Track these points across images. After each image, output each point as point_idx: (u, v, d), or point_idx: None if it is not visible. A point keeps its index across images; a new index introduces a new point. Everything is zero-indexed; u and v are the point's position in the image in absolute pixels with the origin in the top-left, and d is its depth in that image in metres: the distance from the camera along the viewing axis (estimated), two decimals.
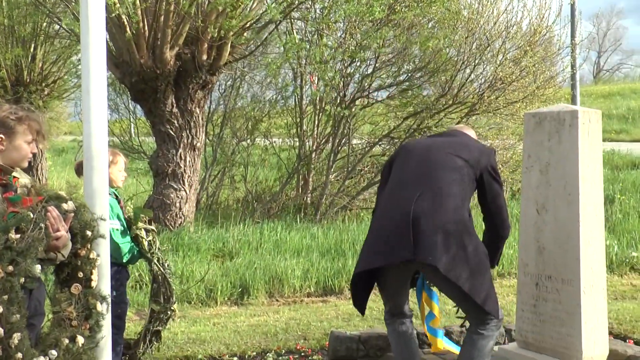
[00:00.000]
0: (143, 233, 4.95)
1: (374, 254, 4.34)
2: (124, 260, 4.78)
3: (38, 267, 3.08)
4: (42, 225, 3.12)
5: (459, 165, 4.48)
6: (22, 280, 3.03)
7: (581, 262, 4.73)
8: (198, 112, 10.77)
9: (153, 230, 5.06)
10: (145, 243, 4.91)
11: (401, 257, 4.19)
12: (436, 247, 4.14)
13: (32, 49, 15.38)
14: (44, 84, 16.02)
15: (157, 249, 4.99)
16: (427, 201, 4.27)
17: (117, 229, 4.76)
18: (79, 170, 4.65)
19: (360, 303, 4.61)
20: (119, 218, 4.80)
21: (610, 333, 5.63)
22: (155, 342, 5.21)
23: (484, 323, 4.38)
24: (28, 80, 15.58)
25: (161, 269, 4.99)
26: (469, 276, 4.19)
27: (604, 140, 5.30)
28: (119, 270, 4.60)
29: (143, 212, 5.10)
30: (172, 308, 5.05)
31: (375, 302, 5.91)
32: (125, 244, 4.78)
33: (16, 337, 2.96)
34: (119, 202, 5.13)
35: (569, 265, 4.80)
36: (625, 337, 5.95)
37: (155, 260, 4.96)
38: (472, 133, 4.95)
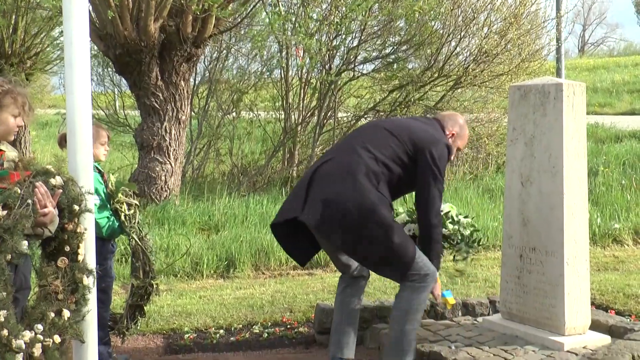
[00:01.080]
0: (125, 207, 4.93)
1: (281, 210, 4.63)
2: (104, 235, 4.77)
3: (25, 243, 3.06)
4: (30, 201, 3.10)
5: (390, 145, 4.49)
6: (9, 257, 3.02)
7: (565, 234, 4.77)
8: (183, 85, 10.70)
9: (136, 204, 5.04)
10: (123, 217, 4.89)
11: (289, 215, 4.50)
12: (316, 208, 4.33)
13: (12, 21, 15.18)
14: (26, 57, 15.85)
15: (136, 224, 4.96)
16: (329, 170, 4.43)
17: (95, 204, 4.74)
18: (62, 142, 4.62)
19: (292, 253, 4.79)
20: (97, 192, 4.77)
21: (592, 304, 5.69)
22: (139, 317, 5.20)
23: (404, 279, 4.45)
24: (9, 52, 15.41)
25: (140, 243, 4.97)
26: (345, 236, 4.32)
27: (588, 113, 5.33)
28: (103, 244, 4.59)
29: (126, 186, 5.08)
30: (151, 283, 5.03)
31: None
32: (103, 219, 4.76)
33: (2, 314, 2.95)
34: (102, 176, 5.11)
35: (552, 237, 4.84)
36: (607, 308, 6.02)
37: (134, 235, 4.94)
38: (451, 122, 4.89)
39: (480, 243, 5.40)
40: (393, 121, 4.83)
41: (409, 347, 4.49)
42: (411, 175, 4.50)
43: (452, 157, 4.76)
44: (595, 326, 5.08)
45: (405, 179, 4.52)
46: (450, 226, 5.19)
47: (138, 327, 5.32)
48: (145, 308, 5.18)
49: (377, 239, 4.30)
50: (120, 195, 4.94)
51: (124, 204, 4.94)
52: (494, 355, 4.61)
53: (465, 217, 5.37)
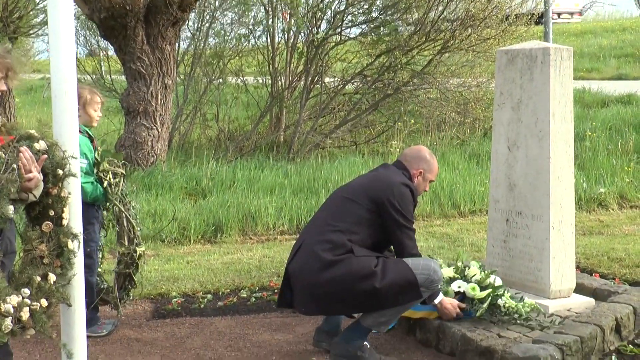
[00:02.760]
0: (110, 176, 4.91)
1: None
2: (88, 200, 4.75)
3: (11, 208, 3.05)
4: (15, 166, 3.08)
5: (351, 211, 4.49)
6: None
7: (551, 198, 4.80)
8: (169, 49, 10.61)
9: (122, 173, 5.02)
10: (106, 184, 4.88)
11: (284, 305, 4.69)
12: (302, 299, 4.47)
13: None
14: (9, 20, 15.63)
15: (119, 191, 4.94)
16: (301, 259, 4.48)
17: (82, 167, 4.72)
18: None
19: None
20: (85, 157, 4.75)
21: (577, 267, 5.75)
22: (130, 287, 5.19)
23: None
24: None
25: (123, 210, 4.95)
26: (322, 304, 4.43)
27: (575, 78, 5.33)
28: (87, 208, 4.57)
29: (113, 156, 5.06)
30: (136, 250, 5.02)
31: None
32: (87, 184, 4.74)
33: None
34: (92, 142, 5.08)
35: (538, 201, 4.87)
36: (592, 271, 6.08)
37: (117, 202, 4.92)
38: (415, 160, 4.76)
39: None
40: (351, 185, 4.79)
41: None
42: (384, 228, 4.50)
43: (420, 193, 4.76)
44: (580, 289, 5.13)
45: (380, 235, 4.52)
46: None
47: (130, 298, 5.31)
48: (135, 277, 5.17)
49: (367, 291, 4.31)
50: (105, 164, 4.91)
51: (110, 172, 4.92)
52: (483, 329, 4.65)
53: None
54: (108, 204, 5.04)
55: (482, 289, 4.72)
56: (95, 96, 5.00)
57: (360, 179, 4.85)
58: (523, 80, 4.97)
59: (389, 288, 4.29)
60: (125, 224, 4.99)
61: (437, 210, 9.11)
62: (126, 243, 5.01)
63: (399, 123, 12.95)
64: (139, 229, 5.09)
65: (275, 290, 5.93)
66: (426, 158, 4.77)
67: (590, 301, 4.96)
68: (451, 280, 4.86)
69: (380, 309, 4.38)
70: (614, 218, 8.76)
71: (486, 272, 4.85)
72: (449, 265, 5.14)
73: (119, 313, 5.19)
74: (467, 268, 4.94)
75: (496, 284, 4.76)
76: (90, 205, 4.85)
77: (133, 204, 5.10)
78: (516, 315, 4.60)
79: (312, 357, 4.68)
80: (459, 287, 4.76)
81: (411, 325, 4.91)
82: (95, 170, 4.90)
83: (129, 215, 5.00)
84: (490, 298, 4.67)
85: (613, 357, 4.33)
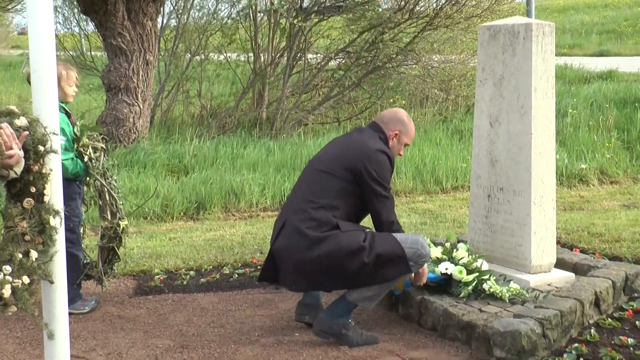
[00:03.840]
0: (90, 150, 4.89)
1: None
2: (70, 175, 4.74)
3: None
4: None
5: (329, 185, 4.45)
6: None
7: (532, 174, 4.82)
8: (150, 25, 10.53)
9: (103, 147, 5.00)
10: (87, 159, 4.85)
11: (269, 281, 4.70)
12: (291, 277, 4.46)
13: None
14: None
15: (101, 165, 4.93)
16: (286, 238, 4.45)
17: (61, 144, 4.69)
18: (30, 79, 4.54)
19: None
20: (64, 133, 4.72)
21: (558, 242, 5.78)
22: (114, 260, 5.20)
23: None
24: None
25: (105, 184, 4.94)
26: (312, 281, 4.43)
27: (557, 55, 5.33)
28: (68, 184, 4.56)
29: (92, 129, 5.03)
30: (119, 223, 5.02)
31: None
32: (67, 161, 4.72)
33: None
34: (69, 117, 5.05)
35: (520, 177, 4.89)
36: (572, 246, 6.12)
37: (98, 177, 4.90)
38: (392, 122, 4.69)
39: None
40: (324, 156, 4.67)
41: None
42: (362, 196, 4.49)
43: (395, 156, 4.68)
44: (561, 264, 5.17)
45: (360, 203, 4.50)
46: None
47: (115, 272, 5.30)
48: (119, 252, 5.17)
49: (354, 264, 4.33)
50: (84, 139, 4.89)
51: (89, 147, 4.90)
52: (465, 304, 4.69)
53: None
54: (89, 178, 5.03)
55: (469, 272, 4.75)
56: (70, 72, 4.96)
57: (333, 147, 4.72)
58: (505, 56, 4.97)
59: (378, 262, 4.31)
60: (107, 198, 4.99)
61: (419, 187, 9.14)
62: (109, 217, 5.01)
63: (382, 99, 12.94)
64: (121, 202, 5.08)
65: (258, 267, 5.94)
66: (403, 120, 4.71)
67: (571, 276, 5.01)
68: (439, 261, 4.88)
69: (370, 284, 4.40)
70: (594, 194, 8.83)
71: (474, 256, 4.88)
72: (434, 243, 5.17)
73: (104, 287, 5.19)
74: (454, 250, 4.97)
75: (483, 268, 4.80)
76: (72, 181, 4.83)
77: (114, 178, 5.08)
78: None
79: (295, 332, 4.70)
80: (446, 268, 4.79)
81: (393, 301, 4.94)
82: (75, 146, 4.88)
83: (111, 189, 4.99)
84: (476, 282, 4.71)
85: (592, 330, 4.38)
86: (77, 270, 4.96)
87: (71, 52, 14.98)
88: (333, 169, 4.47)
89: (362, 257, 4.30)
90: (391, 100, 13.02)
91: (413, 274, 4.60)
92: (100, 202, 5.03)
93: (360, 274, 4.33)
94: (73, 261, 4.65)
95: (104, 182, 4.94)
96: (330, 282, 4.45)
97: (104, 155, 5.01)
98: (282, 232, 4.50)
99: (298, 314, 4.77)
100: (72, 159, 4.83)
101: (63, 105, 4.91)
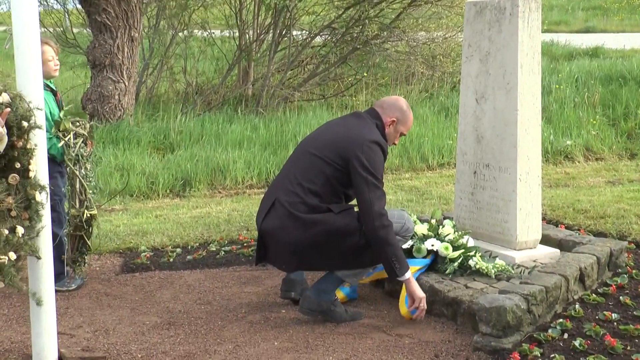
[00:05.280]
0: (71, 136, 4.84)
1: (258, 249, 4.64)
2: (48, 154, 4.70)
3: None
4: None
5: (321, 170, 4.40)
6: None
7: (518, 150, 4.83)
8: (135, 1, 10.44)
9: (83, 134, 4.93)
10: (63, 143, 4.80)
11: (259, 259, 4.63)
12: (282, 257, 4.48)
13: None
14: None
15: (75, 152, 4.86)
16: (277, 219, 4.42)
17: None
18: None
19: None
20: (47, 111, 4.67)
21: (543, 219, 5.82)
22: (84, 250, 5.13)
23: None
24: None
25: (77, 172, 4.89)
26: (304, 261, 4.43)
27: (543, 32, 5.33)
28: (49, 163, 4.53)
29: (77, 115, 4.97)
30: (85, 212, 4.96)
31: None
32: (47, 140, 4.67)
33: None
34: (55, 95, 5.00)
35: (506, 154, 4.90)
36: (557, 223, 6.16)
37: (70, 164, 4.85)
38: (391, 109, 4.62)
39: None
40: (319, 139, 4.59)
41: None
42: (355, 185, 4.40)
43: (389, 144, 4.61)
44: (546, 240, 5.20)
45: (350, 190, 4.46)
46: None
47: (85, 263, 5.20)
48: (88, 241, 5.11)
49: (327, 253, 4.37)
50: (67, 124, 4.83)
51: (70, 133, 4.85)
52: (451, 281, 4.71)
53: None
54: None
55: (455, 248, 4.77)
56: (46, 46, 4.87)
57: (327, 132, 4.65)
58: (491, 32, 4.97)
59: (370, 241, 4.32)
60: (77, 186, 4.93)
61: (405, 164, 9.15)
62: (77, 205, 4.96)
63: (366, 74, 12.90)
64: (91, 191, 5.00)
65: (244, 244, 5.95)
66: (402, 108, 4.63)
67: (556, 252, 5.04)
68: (425, 237, 4.89)
69: (361, 264, 4.42)
70: (579, 170, 8.87)
71: (459, 232, 4.90)
72: (420, 220, 5.18)
73: (76, 274, 5.13)
74: (440, 227, 4.98)
75: (469, 245, 4.82)
76: (51, 160, 4.79)
77: (89, 167, 5.00)
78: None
79: (282, 309, 4.71)
80: (432, 245, 4.80)
81: (380, 278, 4.96)
82: (54, 129, 4.81)
83: (83, 177, 4.92)
84: (461, 258, 4.73)
85: (577, 306, 4.41)
86: (59, 248, 4.92)
87: (50, 29, 14.77)
88: (326, 155, 4.41)
89: (358, 238, 4.31)
90: (378, 75, 12.99)
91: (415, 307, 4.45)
92: (70, 190, 4.97)
93: (355, 254, 4.34)
94: (54, 239, 4.63)
95: (74, 169, 4.89)
96: (322, 263, 4.44)
97: (84, 143, 4.94)
98: (271, 212, 4.46)
99: (283, 290, 4.75)
100: (49, 138, 4.76)
101: (47, 82, 4.85)
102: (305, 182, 4.40)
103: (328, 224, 4.30)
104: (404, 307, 4.48)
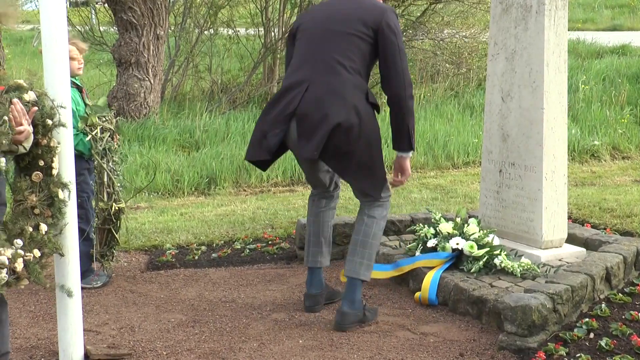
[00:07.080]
0: (98, 130, 4.88)
1: (262, 142, 4.34)
2: (75, 150, 4.74)
3: (2, 160, 3.03)
4: (6, 118, 3.06)
5: (356, 45, 4.23)
6: None
7: (544, 149, 4.80)
8: None
9: (110, 129, 4.97)
10: (90, 137, 4.84)
11: (272, 148, 4.31)
12: (315, 141, 4.15)
13: None
14: None
15: (103, 145, 4.90)
16: (317, 95, 4.18)
17: None
18: None
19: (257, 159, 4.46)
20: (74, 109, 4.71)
21: (569, 218, 5.78)
22: (112, 244, 5.15)
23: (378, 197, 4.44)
24: None
25: (104, 165, 4.92)
26: (344, 161, 4.25)
27: (570, 30, 5.29)
28: (76, 160, 4.57)
29: (102, 109, 5.00)
30: (113, 205, 4.99)
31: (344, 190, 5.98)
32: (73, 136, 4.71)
33: None
34: (80, 92, 5.04)
35: (532, 152, 4.87)
36: (583, 222, 6.11)
37: (97, 157, 4.89)
38: None
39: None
40: (336, 16, 4.32)
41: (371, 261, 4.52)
42: (385, 56, 4.30)
43: None
44: (572, 239, 5.16)
45: (372, 68, 4.40)
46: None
47: (113, 257, 5.19)
48: (117, 235, 5.13)
49: (367, 153, 4.26)
50: (93, 118, 4.87)
51: (98, 127, 4.88)
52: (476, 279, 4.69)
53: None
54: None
55: (480, 247, 4.75)
56: (72, 45, 4.90)
57: (343, 8, 4.36)
58: (517, 30, 4.93)
59: (377, 164, 4.38)
60: (105, 180, 4.97)
61: (430, 162, 9.12)
62: (105, 198, 4.99)
63: None
64: (119, 185, 5.04)
65: (269, 242, 5.97)
66: None
67: (582, 251, 5.00)
68: (450, 236, 4.87)
69: (375, 185, 4.38)
70: (606, 169, 8.80)
71: (485, 231, 4.87)
72: (445, 218, 5.17)
73: (105, 268, 5.16)
74: (465, 225, 4.96)
75: (494, 244, 4.79)
76: (78, 157, 4.83)
77: (116, 160, 5.03)
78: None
79: None
80: (457, 244, 4.79)
81: (404, 276, 4.95)
82: (81, 125, 4.85)
83: (110, 170, 4.96)
84: (486, 257, 4.71)
85: (603, 305, 4.37)
86: (87, 244, 4.97)
87: (78, 28, 14.89)
88: (356, 29, 4.23)
89: (379, 152, 4.35)
90: None
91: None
92: (99, 183, 5.01)
93: (372, 167, 4.33)
94: (81, 235, 4.66)
95: (102, 163, 4.92)
96: (351, 170, 4.30)
97: (111, 137, 4.98)
98: (307, 94, 4.18)
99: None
100: (75, 135, 4.80)
101: (73, 79, 4.90)
102: (343, 59, 4.21)
103: (372, 125, 4.24)
104: (425, 293, 4.61)
